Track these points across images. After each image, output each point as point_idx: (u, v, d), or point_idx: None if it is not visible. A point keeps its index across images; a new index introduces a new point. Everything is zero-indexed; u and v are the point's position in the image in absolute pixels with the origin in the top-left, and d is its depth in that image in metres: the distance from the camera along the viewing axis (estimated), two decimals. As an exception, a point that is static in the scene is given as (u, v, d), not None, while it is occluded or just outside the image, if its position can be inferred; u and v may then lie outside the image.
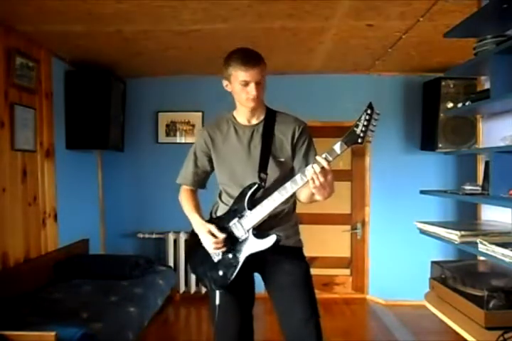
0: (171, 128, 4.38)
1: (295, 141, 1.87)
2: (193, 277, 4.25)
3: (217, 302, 1.86)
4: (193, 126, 4.36)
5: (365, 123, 1.60)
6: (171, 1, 2.46)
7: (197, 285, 4.27)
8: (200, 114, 4.32)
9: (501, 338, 2.06)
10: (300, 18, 2.73)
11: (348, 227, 4.41)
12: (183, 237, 4.23)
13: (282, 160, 1.86)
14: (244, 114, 1.89)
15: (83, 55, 3.62)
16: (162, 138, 4.39)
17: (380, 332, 3.60)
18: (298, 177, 1.68)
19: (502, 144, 2.49)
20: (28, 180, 3.12)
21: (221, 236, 1.79)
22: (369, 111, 1.61)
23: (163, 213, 4.37)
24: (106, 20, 2.78)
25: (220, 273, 1.83)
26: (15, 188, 2.97)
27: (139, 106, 4.37)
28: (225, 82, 1.84)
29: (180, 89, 4.33)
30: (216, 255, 1.85)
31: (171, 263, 4.22)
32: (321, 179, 1.60)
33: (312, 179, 1.61)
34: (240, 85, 1.77)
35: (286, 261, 1.91)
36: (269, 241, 1.75)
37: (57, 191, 3.51)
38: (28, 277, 3.03)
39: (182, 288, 4.28)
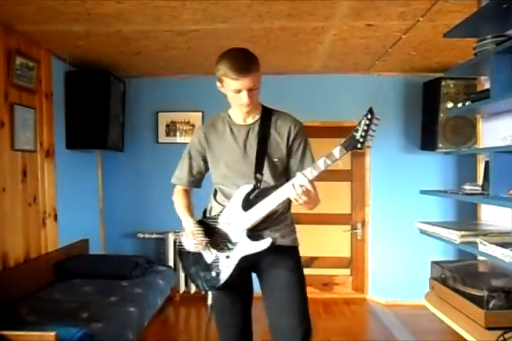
0: (171, 128, 4.38)
1: (290, 141, 1.84)
2: (193, 277, 4.25)
3: (210, 302, 1.89)
4: (193, 126, 4.35)
5: (365, 128, 1.61)
6: (171, 1, 2.46)
7: (197, 285, 4.27)
8: (200, 114, 4.32)
9: (501, 338, 2.06)
10: (300, 18, 2.73)
11: (348, 227, 4.41)
12: (183, 237, 4.23)
13: (276, 160, 1.83)
14: (239, 113, 1.86)
15: (83, 55, 3.62)
16: (162, 138, 4.39)
17: (380, 332, 3.60)
18: (287, 187, 1.67)
19: (502, 144, 2.49)
20: (28, 180, 3.11)
21: (204, 240, 1.80)
22: (369, 116, 1.61)
23: (163, 213, 4.34)
24: (106, 20, 2.78)
25: (213, 273, 1.81)
26: (15, 188, 2.97)
27: (139, 106, 4.37)
28: (218, 84, 1.79)
29: (180, 89, 4.33)
30: (209, 255, 1.83)
31: (171, 263, 4.22)
32: (304, 198, 1.62)
33: (295, 199, 1.64)
34: (232, 92, 1.73)
35: (280, 262, 1.85)
36: (264, 244, 1.74)
37: (57, 191, 3.51)
38: (28, 277, 3.03)
39: (182, 288, 4.27)
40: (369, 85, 4.21)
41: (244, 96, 1.71)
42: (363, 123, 1.61)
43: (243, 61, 1.69)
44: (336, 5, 2.51)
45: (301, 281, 1.87)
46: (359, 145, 1.62)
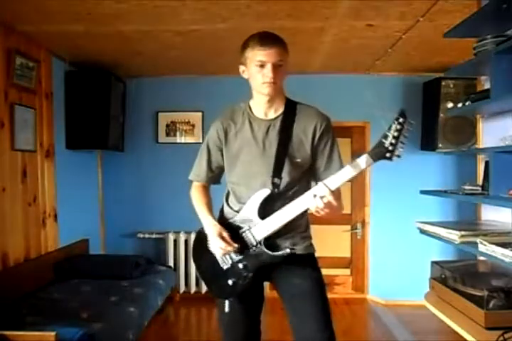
0: (171, 128, 4.39)
1: (316, 140, 1.69)
2: (193, 277, 4.25)
3: (227, 309, 1.76)
4: (193, 126, 4.36)
5: (396, 134, 1.44)
6: (171, 1, 2.46)
7: (197, 285, 4.28)
8: (200, 114, 4.32)
9: (501, 338, 2.06)
10: (300, 18, 2.73)
11: (348, 227, 4.41)
12: (183, 237, 4.23)
13: (299, 160, 1.69)
14: (260, 104, 1.72)
15: (83, 55, 3.62)
16: (162, 138, 4.39)
17: (380, 332, 3.60)
18: (307, 197, 1.55)
19: (502, 144, 2.49)
20: (28, 180, 3.11)
21: (234, 245, 1.66)
22: (401, 120, 1.43)
23: (163, 213, 4.37)
24: (106, 20, 2.78)
25: (230, 282, 1.71)
26: (15, 188, 2.97)
27: (139, 106, 4.37)
28: (241, 68, 1.69)
29: (180, 89, 4.33)
30: (225, 263, 1.73)
31: (171, 263, 4.22)
32: (326, 210, 1.51)
33: (316, 211, 1.53)
34: (256, 67, 1.61)
35: (296, 271, 1.75)
36: (281, 254, 1.65)
37: (57, 191, 3.51)
38: (28, 277, 3.03)
39: (182, 288, 4.28)
40: (369, 85, 4.20)
41: (268, 70, 1.59)
42: (393, 128, 1.43)
43: (271, 35, 1.67)
44: (336, 5, 2.51)
45: (316, 289, 1.74)
46: (388, 155, 1.46)
